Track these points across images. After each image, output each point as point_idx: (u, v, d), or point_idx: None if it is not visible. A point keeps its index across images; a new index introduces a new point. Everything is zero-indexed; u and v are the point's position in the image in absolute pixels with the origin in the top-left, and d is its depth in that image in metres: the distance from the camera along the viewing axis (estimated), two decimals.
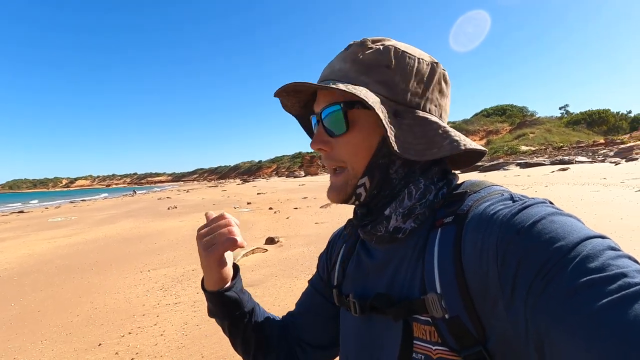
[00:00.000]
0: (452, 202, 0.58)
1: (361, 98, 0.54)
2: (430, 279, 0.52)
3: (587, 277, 0.36)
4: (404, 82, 0.58)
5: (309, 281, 0.85)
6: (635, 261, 0.38)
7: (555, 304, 0.37)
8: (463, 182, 0.64)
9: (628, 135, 36.70)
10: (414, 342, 0.53)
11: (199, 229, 0.69)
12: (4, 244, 9.78)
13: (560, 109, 63.42)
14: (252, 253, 6.43)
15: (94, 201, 34.54)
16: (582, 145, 36.07)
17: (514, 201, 0.51)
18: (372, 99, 0.55)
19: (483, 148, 0.63)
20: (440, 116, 0.63)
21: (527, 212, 0.46)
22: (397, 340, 0.56)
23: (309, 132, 0.75)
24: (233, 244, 0.64)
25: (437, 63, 0.62)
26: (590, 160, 22.12)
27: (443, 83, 0.63)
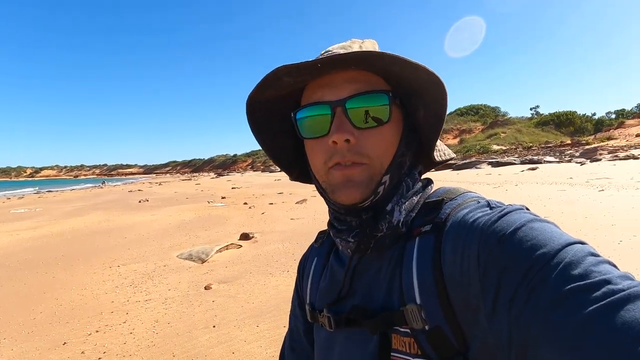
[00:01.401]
0: (429, 210, 0.57)
1: (445, 95, 0.55)
2: (408, 289, 0.51)
3: (571, 285, 0.36)
4: None
5: (290, 312, 0.81)
6: (615, 266, 0.38)
7: (540, 313, 0.36)
8: (437, 189, 0.63)
9: (592, 137, 38.34)
10: (392, 354, 0.52)
11: None
12: None
13: (531, 109, 65.79)
14: (226, 249, 6.34)
15: (60, 192, 33.22)
16: (550, 145, 37.44)
17: (491, 208, 0.51)
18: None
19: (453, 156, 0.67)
20: None
21: (507, 219, 0.46)
22: (374, 353, 0.54)
23: (259, 124, 0.66)
24: None
25: None
26: (557, 160, 22.98)
27: None
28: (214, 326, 3.47)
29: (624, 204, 7.55)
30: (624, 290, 0.34)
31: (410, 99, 0.59)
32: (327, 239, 0.73)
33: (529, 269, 0.39)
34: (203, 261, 5.70)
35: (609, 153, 23.18)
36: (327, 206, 0.65)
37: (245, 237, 7.14)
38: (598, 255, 0.39)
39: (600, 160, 20.33)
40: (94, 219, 11.71)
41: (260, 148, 0.70)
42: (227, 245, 6.43)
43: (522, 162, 22.69)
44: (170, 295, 4.37)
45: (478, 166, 23.36)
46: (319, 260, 0.72)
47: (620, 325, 0.32)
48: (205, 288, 4.50)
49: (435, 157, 0.65)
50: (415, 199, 0.59)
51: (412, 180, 0.60)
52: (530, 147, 38.26)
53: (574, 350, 0.33)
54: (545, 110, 76.74)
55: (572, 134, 46.93)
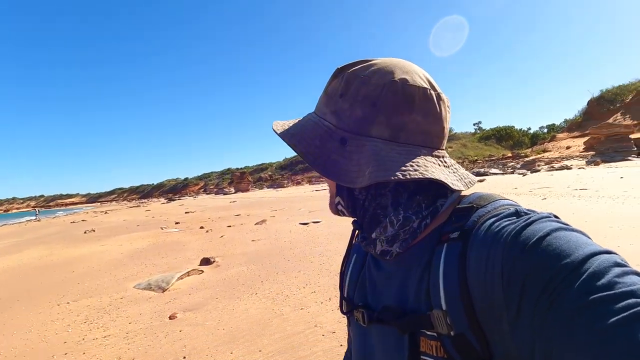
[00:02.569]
0: (459, 217, 0.57)
1: (289, 144, 0.61)
2: (435, 295, 0.52)
3: (594, 296, 0.36)
4: (350, 109, 0.58)
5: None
6: None
7: (562, 322, 0.36)
8: (471, 194, 0.62)
9: (530, 149, 41.30)
10: (421, 357, 0.53)
11: None
12: None
13: (474, 124, 69.73)
14: (188, 275, 6.02)
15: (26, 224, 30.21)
16: (493, 158, 39.82)
17: (518, 216, 0.50)
18: (309, 134, 0.61)
19: (436, 178, 0.54)
20: (395, 139, 0.56)
21: (532, 228, 0.45)
22: (404, 354, 0.55)
23: None
24: None
25: (402, 82, 0.56)
26: (502, 172, 24.45)
27: (408, 103, 0.56)
28: (184, 357, 3.23)
29: (564, 211, 8.10)
30: None
31: None
32: None
33: (552, 277, 0.39)
34: (164, 290, 5.36)
35: (545, 164, 25.08)
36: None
37: (206, 262, 6.85)
38: (625, 266, 0.39)
39: (539, 170, 21.90)
40: (33, 254, 10.71)
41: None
42: (188, 272, 6.11)
43: None
44: (132, 328, 4.04)
45: None
46: (358, 256, 0.75)
47: None
48: (170, 318, 4.21)
49: (450, 185, 0.58)
50: (403, 234, 0.58)
51: (396, 217, 0.58)
52: (476, 160, 40.49)
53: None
54: (487, 125, 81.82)
55: (512, 147, 50.35)
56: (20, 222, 37.06)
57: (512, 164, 30.24)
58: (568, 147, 33.35)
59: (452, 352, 0.49)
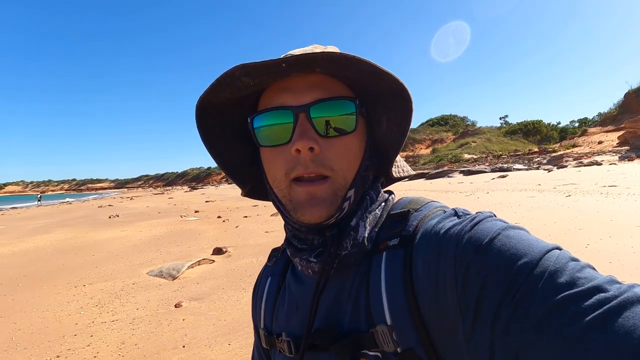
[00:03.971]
0: (394, 223, 0.54)
1: (410, 99, 0.52)
2: (377, 309, 0.48)
3: (561, 295, 0.34)
4: None
5: (254, 346, 0.75)
6: (596, 270, 0.38)
7: (532, 326, 0.35)
8: (400, 199, 0.60)
9: (558, 144, 39.78)
10: None
11: None
12: None
13: (500, 119, 67.84)
14: (198, 264, 6.18)
15: (25, 209, 31.77)
16: (519, 153, 38.54)
17: (459, 217, 0.49)
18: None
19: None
20: None
21: (480, 228, 0.44)
22: None
23: (210, 130, 0.60)
24: None
25: None
26: (526, 167, 23.63)
27: None
28: (183, 346, 3.34)
29: (589, 209, 7.76)
30: (617, 297, 0.33)
31: (374, 110, 0.57)
32: (281, 257, 0.69)
33: (512, 281, 0.37)
34: (174, 278, 5.53)
35: (574, 160, 24.02)
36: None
37: (218, 251, 6.99)
38: (578, 260, 0.38)
39: (566, 166, 21.05)
40: (60, 236, 11.21)
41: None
42: (199, 261, 6.26)
43: (493, 170, 23.23)
44: (139, 314, 4.19)
45: (450, 175, 23.79)
46: (273, 280, 0.66)
47: (622, 334, 0.31)
48: (176, 306, 4.34)
49: (394, 173, 0.62)
50: (379, 212, 0.56)
51: (375, 192, 0.58)
52: (500, 155, 39.36)
53: None
54: (513, 119, 79.52)
55: (539, 142, 48.64)
56: (53, 205, 38.70)
57: (538, 159, 29.21)
58: (600, 142, 31.89)
59: None
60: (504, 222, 0.45)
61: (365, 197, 0.56)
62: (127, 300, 4.74)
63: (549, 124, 56.18)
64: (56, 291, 5.31)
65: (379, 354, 0.47)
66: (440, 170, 27.15)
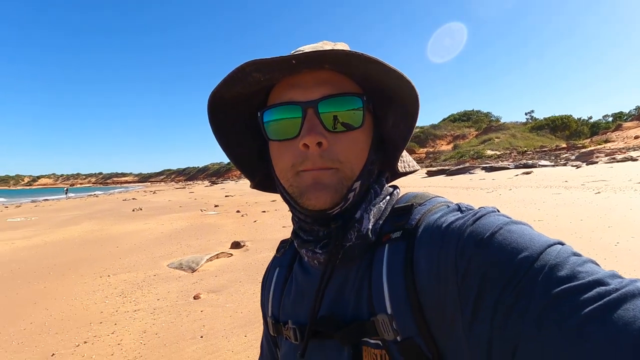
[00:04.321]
0: (398, 216, 0.55)
1: (417, 97, 0.53)
2: (379, 299, 0.49)
3: (561, 287, 0.35)
4: None
5: (262, 336, 0.78)
6: (599, 265, 0.38)
7: (529, 320, 0.35)
8: (404, 194, 0.62)
9: (589, 140, 38.42)
10: None
11: None
12: None
13: (526, 114, 66.13)
14: (217, 258, 6.33)
15: (56, 201, 33.05)
16: (545, 149, 37.47)
17: (462, 211, 0.50)
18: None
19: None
20: None
21: (482, 222, 0.44)
22: None
23: (221, 124, 0.62)
24: None
25: None
26: (552, 164, 22.93)
27: None
28: (201, 336, 3.47)
29: (621, 206, 7.48)
30: (617, 290, 0.33)
31: (381, 105, 0.58)
32: (289, 249, 0.71)
33: (512, 274, 0.38)
34: (193, 270, 5.71)
35: (606, 155, 23.07)
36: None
37: (236, 245, 7.14)
38: (580, 255, 0.38)
39: (596, 163, 20.24)
40: (87, 228, 11.65)
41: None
42: (217, 254, 6.42)
43: (517, 167, 22.65)
44: (159, 305, 4.35)
45: (472, 171, 23.34)
46: (280, 270, 0.69)
47: (622, 325, 0.31)
48: (194, 298, 4.49)
49: (399, 168, 0.63)
50: (383, 205, 0.58)
51: (379, 186, 0.59)
52: (525, 151, 38.39)
53: (574, 355, 0.32)
54: (540, 114, 77.21)
55: (568, 138, 47.14)
56: (82, 197, 40.06)
57: (566, 155, 28.30)
58: (637, 137, 30.54)
59: None
60: (507, 217, 0.46)
61: (370, 190, 0.57)
62: (148, 291, 4.91)
63: (579, 119, 54.27)
64: (83, 280, 5.56)
65: (379, 342, 0.49)
66: (461, 166, 26.67)
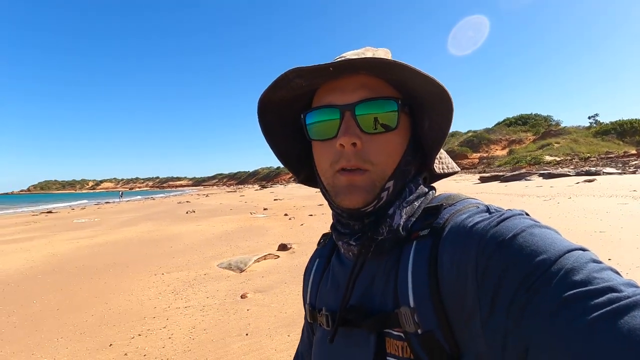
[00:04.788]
0: (428, 215, 0.58)
1: (451, 103, 0.54)
2: (403, 292, 0.51)
3: (574, 291, 0.35)
4: None
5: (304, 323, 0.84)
6: (618, 274, 0.38)
7: (541, 318, 0.36)
8: (438, 195, 0.64)
9: None
10: (387, 358, 0.52)
11: None
12: (32, 243, 10.14)
13: (589, 118, 61.49)
14: (264, 259, 6.46)
15: (117, 203, 35.49)
16: (611, 156, 34.79)
17: (490, 213, 0.51)
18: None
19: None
20: None
21: (506, 224, 0.45)
22: (369, 355, 0.54)
23: (270, 125, 0.67)
24: None
25: None
26: (619, 171, 21.22)
27: None
28: (247, 334, 3.55)
29: None
30: (629, 297, 0.33)
31: (418, 108, 0.60)
32: (329, 241, 0.75)
33: (528, 274, 0.39)
34: (241, 270, 5.85)
35: None
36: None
37: (283, 247, 7.24)
38: (600, 262, 0.39)
39: None
40: (144, 228, 12.39)
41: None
42: (265, 256, 6.55)
43: (578, 174, 21.19)
44: (208, 302, 4.51)
45: (528, 178, 22.10)
46: (320, 261, 0.74)
47: (626, 331, 0.31)
48: (242, 297, 4.61)
49: (436, 169, 0.65)
50: (417, 204, 0.60)
51: (415, 185, 0.61)
52: (588, 157, 35.83)
53: (577, 355, 0.33)
54: (605, 118, 71.67)
55: (638, 144, 43.44)
56: (140, 200, 42.68)
57: (636, 162, 26.05)
58: None
59: (419, 352, 0.48)
60: (533, 220, 0.46)
61: (405, 189, 0.59)
62: (198, 289, 5.11)
63: None
64: (139, 277, 5.90)
65: (401, 334, 0.51)
66: (517, 172, 25.34)
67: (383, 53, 0.62)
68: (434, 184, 0.68)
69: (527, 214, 0.49)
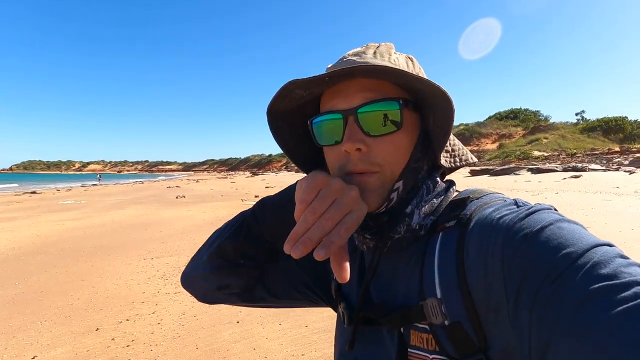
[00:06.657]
0: (454, 208, 0.57)
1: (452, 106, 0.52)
2: (429, 283, 0.51)
3: (599, 284, 0.35)
4: None
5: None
6: None
7: (566, 311, 0.36)
8: (465, 189, 0.63)
9: None
10: (410, 350, 0.52)
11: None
12: (15, 224, 9.97)
13: (576, 114, 62.25)
14: None
15: (104, 186, 35.02)
16: (596, 152, 35.44)
17: (518, 206, 0.50)
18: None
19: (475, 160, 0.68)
20: None
21: (534, 217, 0.45)
22: (392, 351, 0.54)
23: (281, 131, 0.66)
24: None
25: None
26: (604, 168, 21.68)
27: None
28: (237, 322, 3.53)
29: None
30: None
31: (423, 104, 0.59)
32: None
33: (555, 266, 0.38)
34: None
35: None
36: None
37: None
38: (628, 258, 0.38)
39: None
40: (133, 212, 12.25)
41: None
42: None
43: (565, 170, 21.56)
44: None
45: (517, 172, 22.37)
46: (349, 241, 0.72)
47: None
48: None
49: (444, 164, 0.62)
50: (437, 201, 0.58)
51: (432, 182, 0.60)
52: (575, 153, 36.41)
53: (599, 351, 0.32)
54: (592, 115, 72.52)
55: (622, 141, 44.18)
56: (128, 183, 42.19)
57: (619, 159, 26.57)
58: None
59: (445, 344, 0.48)
60: (561, 215, 0.46)
61: (422, 187, 0.58)
62: None
63: (634, 120, 50.47)
64: (127, 261, 5.83)
65: (427, 327, 0.50)
66: (506, 167, 25.62)
67: (385, 49, 0.60)
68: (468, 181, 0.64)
69: (555, 209, 0.48)
